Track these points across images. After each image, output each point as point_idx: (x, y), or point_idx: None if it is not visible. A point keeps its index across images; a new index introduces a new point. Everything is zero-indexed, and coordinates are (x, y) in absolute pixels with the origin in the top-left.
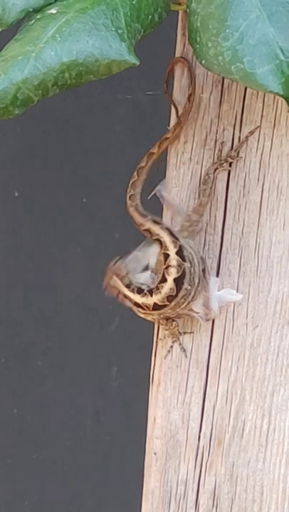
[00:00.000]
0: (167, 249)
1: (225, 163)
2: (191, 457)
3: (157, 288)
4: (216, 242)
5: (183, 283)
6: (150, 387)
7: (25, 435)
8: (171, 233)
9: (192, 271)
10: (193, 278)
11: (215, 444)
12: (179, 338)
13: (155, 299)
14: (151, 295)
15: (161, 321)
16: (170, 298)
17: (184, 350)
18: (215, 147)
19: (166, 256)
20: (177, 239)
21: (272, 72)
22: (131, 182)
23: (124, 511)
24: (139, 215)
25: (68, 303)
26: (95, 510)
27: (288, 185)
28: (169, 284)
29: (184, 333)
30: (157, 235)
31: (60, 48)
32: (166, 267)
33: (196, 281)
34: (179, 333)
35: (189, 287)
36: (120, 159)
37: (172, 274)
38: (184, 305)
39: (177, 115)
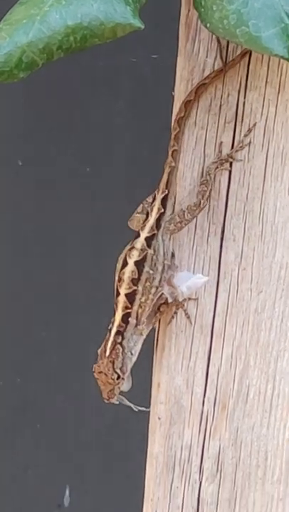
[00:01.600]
0: (143, 229)
1: (225, 163)
2: (196, 422)
3: (120, 278)
4: (220, 207)
5: (144, 266)
6: (154, 353)
7: (28, 405)
8: (159, 217)
9: (154, 258)
10: (156, 264)
11: (219, 409)
12: (183, 304)
13: (123, 290)
14: (119, 291)
15: (164, 307)
16: (134, 281)
17: (189, 317)
18: (219, 112)
19: (137, 236)
20: (158, 227)
21: (278, 35)
22: (173, 135)
23: (128, 477)
24: (175, 141)
25: (72, 274)
26: (99, 478)
27: None
28: (130, 266)
29: (189, 299)
30: (152, 206)
31: (65, 12)
32: (130, 248)
33: (160, 268)
34: (184, 303)
35: (151, 271)
36: (123, 128)
37: (134, 256)
38: (152, 290)
39: (222, 60)
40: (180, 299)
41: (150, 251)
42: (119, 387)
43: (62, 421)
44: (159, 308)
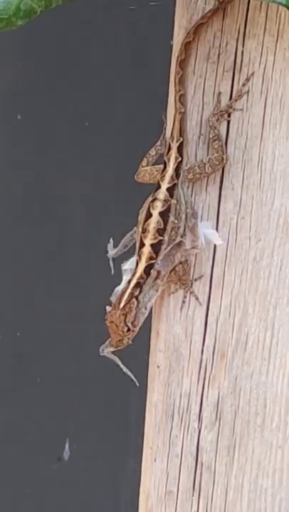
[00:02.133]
0: (163, 180)
1: (225, 114)
2: (194, 370)
3: (144, 230)
4: None
5: (168, 216)
6: (154, 302)
7: (28, 359)
8: (177, 166)
9: (177, 208)
10: (179, 214)
11: (218, 358)
12: (191, 286)
13: (148, 240)
14: (144, 241)
15: (173, 276)
16: (160, 231)
17: (197, 298)
18: (218, 61)
19: (158, 187)
20: (177, 176)
21: None
22: (177, 79)
23: (127, 429)
24: (180, 86)
25: (70, 233)
26: (99, 431)
27: None
28: (155, 217)
29: (195, 279)
30: (168, 155)
31: None
32: (153, 200)
33: (183, 217)
34: (191, 282)
35: (176, 221)
36: (122, 79)
37: (157, 207)
38: (177, 239)
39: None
40: (198, 249)
41: (173, 201)
42: (128, 339)
43: (62, 375)
44: (175, 268)
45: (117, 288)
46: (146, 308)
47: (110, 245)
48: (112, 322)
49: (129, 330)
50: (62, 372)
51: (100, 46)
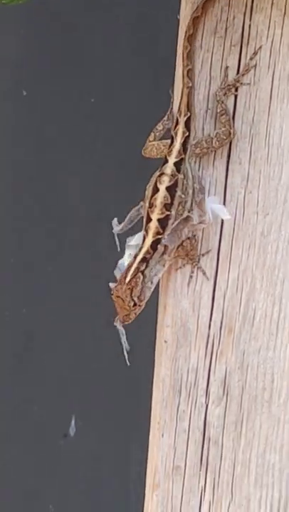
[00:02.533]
0: (170, 155)
1: (232, 88)
2: (202, 345)
3: (151, 204)
4: None
5: (176, 191)
6: (161, 277)
7: (34, 335)
8: (184, 141)
9: (184, 182)
10: (186, 188)
11: (225, 333)
12: (198, 261)
13: (155, 215)
14: (151, 216)
15: (180, 251)
16: (167, 206)
17: (204, 273)
18: (225, 35)
19: (165, 161)
20: (185, 151)
21: None
22: (185, 54)
23: (134, 405)
24: (188, 61)
25: (77, 206)
26: (105, 406)
27: None
28: (162, 192)
29: (202, 254)
30: (176, 130)
31: None
32: (160, 175)
33: (190, 192)
34: (198, 257)
35: (183, 196)
36: (128, 55)
37: (164, 182)
38: (184, 213)
39: None
40: (206, 223)
41: (180, 176)
42: (135, 313)
43: (68, 351)
44: (182, 243)
45: (120, 261)
46: (152, 283)
47: (115, 221)
48: (118, 297)
49: (135, 304)
50: (68, 349)
51: (104, 17)
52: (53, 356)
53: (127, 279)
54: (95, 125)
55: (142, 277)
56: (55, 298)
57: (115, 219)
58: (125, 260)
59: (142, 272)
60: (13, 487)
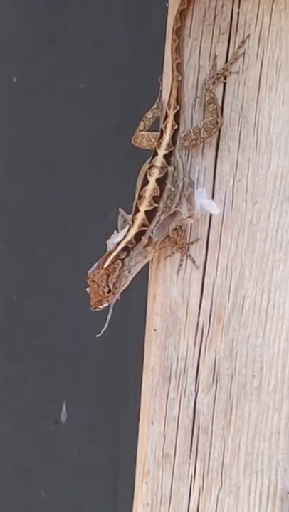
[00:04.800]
0: (159, 147)
1: (221, 76)
2: (191, 334)
3: (140, 196)
4: None
5: (165, 183)
6: (150, 265)
7: (25, 321)
8: (174, 134)
9: (175, 175)
10: (176, 181)
11: (214, 321)
12: (188, 249)
13: (143, 207)
14: (139, 208)
15: (168, 242)
16: (156, 198)
17: (194, 261)
18: (214, 23)
19: (155, 154)
20: (174, 143)
21: None
22: (174, 47)
23: (124, 389)
24: (177, 54)
25: (68, 190)
26: (96, 393)
27: (287, 61)
28: (151, 184)
29: (192, 243)
30: (165, 123)
31: None
32: (150, 167)
33: (180, 185)
34: (188, 245)
35: (173, 188)
36: (118, 43)
37: (154, 174)
38: (172, 206)
39: None
40: (194, 218)
41: (170, 168)
42: (107, 301)
43: (59, 337)
44: (169, 235)
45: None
46: (130, 272)
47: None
48: (93, 281)
49: (109, 291)
50: (59, 335)
51: (95, 4)
52: (43, 342)
53: (106, 264)
54: (85, 111)
55: (120, 265)
56: (46, 283)
57: (115, 232)
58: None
59: (122, 260)
60: (4, 473)
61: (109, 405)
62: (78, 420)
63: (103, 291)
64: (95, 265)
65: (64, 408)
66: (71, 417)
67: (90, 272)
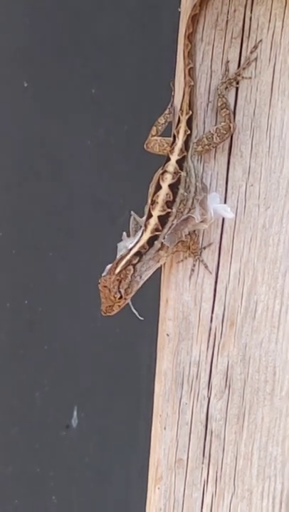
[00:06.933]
0: (172, 152)
1: (233, 81)
2: (204, 338)
3: (153, 201)
4: None
5: (178, 188)
6: (162, 270)
7: (36, 327)
8: (186, 139)
9: (187, 180)
10: (189, 186)
11: (227, 326)
12: (200, 254)
13: (156, 212)
14: (152, 213)
15: (180, 246)
16: (169, 203)
17: (206, 266)
18: (226, 28)
19: (168, 159)
20: (187, 149)
21: None
22: (186, 52)
23: (136, 396)
24: (189, 59)
25: (79, 195)
26: (107, 398)
27: None
28: (164, 189)
29: (204, 247)
30: (178, 128)
31: None
32: (162, 173)
33: (192, 190)
34: (200, 250)
35: (185, 193)
36: (129, 48)
37: (167, 180)
38: (185, 211)
39: None
40: (207, 223)
41: (183, 173)
42: (119, 306)
43: (70, 342)
44: (182, 240)
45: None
46: (141, 278)
47: (124, 235)
48: (105, 287)
49: (121, 297)
50: (71, 340)
51: (106, 10)
52: (54, 347)
53: (117, 269)
54: (96, 116)
55: (132, 270)
56: (57, 289)
57: (124, 233)
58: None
59: (134, 266)
60: (15, 479)
61: (121, 410)
62: (89, 426)
63: (114, 297)
64: (108, 268)
65: (75, 413)
66: (82, 423)
67: (102, 275)
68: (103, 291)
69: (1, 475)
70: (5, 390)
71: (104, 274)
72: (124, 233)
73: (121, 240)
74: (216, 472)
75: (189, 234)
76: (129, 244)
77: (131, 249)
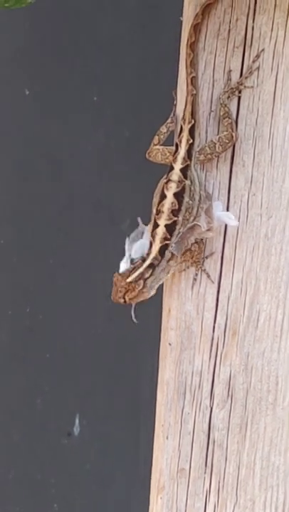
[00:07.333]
0: (175, 161)
1: (236, 91)
2: (206, 348)
3: (159, 211)
4: None
5: (183, 197)
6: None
7: (37, 334)
8: (189, 148)
9: (192, 188)
10: (193, 195)
11: (230, 335)
12: (202, 264)
13: (163, 221)
14: (158, 222)
15: (188, 256)
16: (174, 212)
17: (209, 276)
18: (228, 37)
19: (171, 168)
20: (190, 157)
21: None
22: (189, 61)
23: (138, 405)
24: (191, 68)
25: (80, 200)
26: (109, 406)
27: None
28: (169, 198)
29: (206, 257)
30: (180, 137)
31: None
32: (167, 182)
33: (197, 198)
34: (203, 259)
35: (190, 202)
36: (131, 55)
37: (172, 188)
38: (191, 219)
39: None
40: (213, 231)
41: (187, 182)
42: (124, 302)
43: (71, 350)
44: (190, 248)
45: (121, 263)
46: (149, 291)
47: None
48: (115, 285)
49: (125, 302)
50: (72, 348)
51: (108, 17)
52: (56, 354)
53: (129, 279)
54: (96, 116)
55: (141, 285)
56: (58, 296)
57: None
58: (124, 265)
59: (145, 280)
60: (17, 486)
61: (123, 419)
62: (91, 433)
63: (118, 300)
64: (123, 268)
65: (77, 421)
66: (84, 430)
67: (117, 273)
68: (115, 282)
69: (3, 482)
70: (7, 396)
71: (120, 271)
72: (143, 225)
73: (129, 237)
74: (219, 482)
75: (196, 243)
76: (139, 249)
77: (144, 261)
